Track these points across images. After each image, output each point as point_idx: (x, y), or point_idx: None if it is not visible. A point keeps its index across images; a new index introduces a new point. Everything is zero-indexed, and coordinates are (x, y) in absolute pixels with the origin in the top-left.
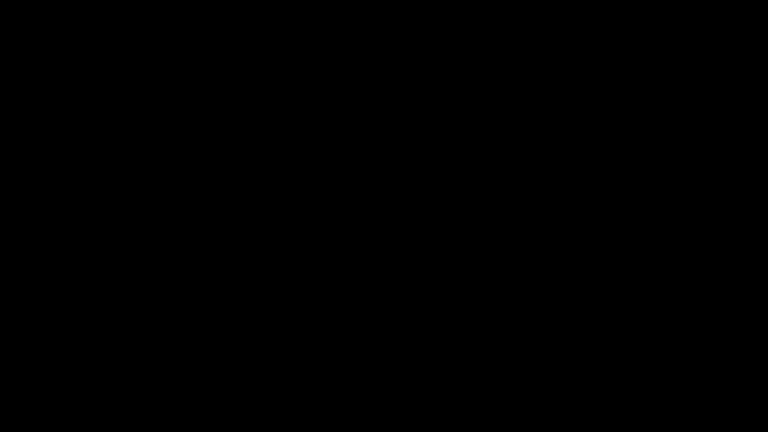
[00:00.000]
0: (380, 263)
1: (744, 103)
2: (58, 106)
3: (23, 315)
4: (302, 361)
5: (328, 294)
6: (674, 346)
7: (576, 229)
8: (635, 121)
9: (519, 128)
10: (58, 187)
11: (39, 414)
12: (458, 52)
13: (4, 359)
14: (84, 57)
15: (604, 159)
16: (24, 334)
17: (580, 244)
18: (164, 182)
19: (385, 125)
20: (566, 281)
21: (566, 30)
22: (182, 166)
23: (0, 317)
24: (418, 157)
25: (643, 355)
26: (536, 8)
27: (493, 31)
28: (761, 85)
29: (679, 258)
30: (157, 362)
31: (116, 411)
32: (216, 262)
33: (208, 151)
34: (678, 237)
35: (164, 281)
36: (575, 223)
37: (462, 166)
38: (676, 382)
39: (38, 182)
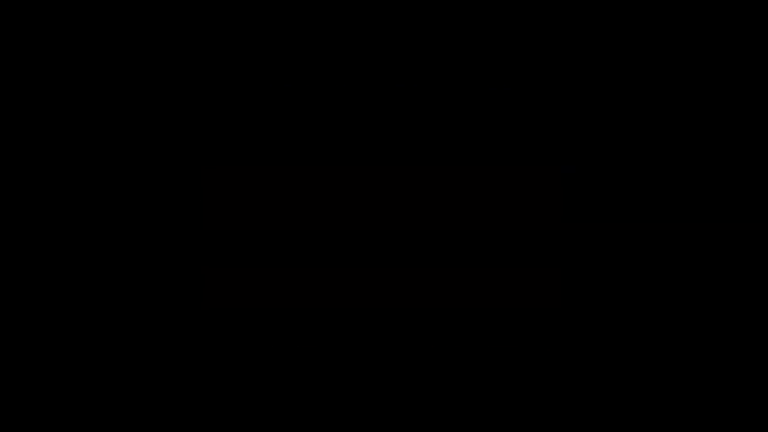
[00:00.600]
0: (380, 263)
1: (744, 103)
2: (58, 107)
3: (24, 315)
4: (302, 361)
5: (328, 294)
6: (674, 346)
7: (576, 229)
8: (635, 121)
9: (519, 128)
10: (58, 187)
11: (39, 414)
12: (458, 52)
13: (4, 359)
14: (84, 57)
15: (604, 159)
16: (25, 334)
17: (580, 244)
18: (164, 182)
19: (385, 125)
20: (566, 281)
21: (565, 30)
22: (182, 166)
23: (1, 317)
24: (418, 157)
25: (643, 354)
26: (536, 8)
27: (493, 30)
28: (761, 85)
29: (679, 258)
30: (158, 362)
31: (116, 411)
32: (216, 262)
33: (208, 151)
34: (678, 237)
35: (164, 281)
36: (575, 223)
37: (462, 166)
38: (676, 382)
39: (38, 182)
